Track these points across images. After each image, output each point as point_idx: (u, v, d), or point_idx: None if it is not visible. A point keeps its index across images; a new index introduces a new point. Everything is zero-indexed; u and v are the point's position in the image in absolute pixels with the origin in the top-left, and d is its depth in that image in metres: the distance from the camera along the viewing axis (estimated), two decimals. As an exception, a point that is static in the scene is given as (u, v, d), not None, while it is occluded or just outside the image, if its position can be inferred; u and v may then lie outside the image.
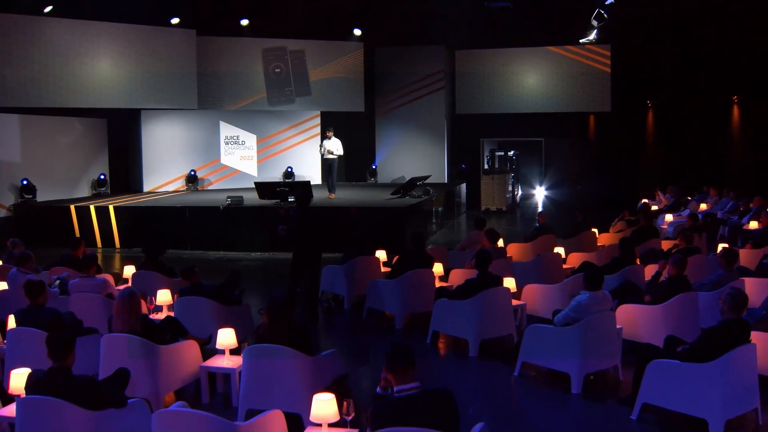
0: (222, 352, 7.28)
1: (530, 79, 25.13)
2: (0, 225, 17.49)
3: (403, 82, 25.00)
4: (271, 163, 23.00)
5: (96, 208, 17.35)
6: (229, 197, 17.16)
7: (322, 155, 18.95)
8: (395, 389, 4.70)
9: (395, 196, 18.29)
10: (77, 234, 17.00)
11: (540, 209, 24.36)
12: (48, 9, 18.14)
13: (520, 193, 26.80)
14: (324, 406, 5.24)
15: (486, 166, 26.12)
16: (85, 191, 20.36)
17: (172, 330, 7.50)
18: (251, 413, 5.91)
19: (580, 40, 22.48)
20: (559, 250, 12.15)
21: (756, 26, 21.77)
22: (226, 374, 7.26)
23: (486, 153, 26.93)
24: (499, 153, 26.89)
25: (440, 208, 20.28)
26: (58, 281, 9.64)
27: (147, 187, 21.43)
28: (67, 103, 18.89)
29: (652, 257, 11.13)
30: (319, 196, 18.00)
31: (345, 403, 5.27)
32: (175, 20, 20.55)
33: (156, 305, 8.80)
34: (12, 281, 9.37)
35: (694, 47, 23.53)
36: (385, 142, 25.33)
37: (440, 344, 9.41)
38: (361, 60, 23.50)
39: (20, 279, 9.07)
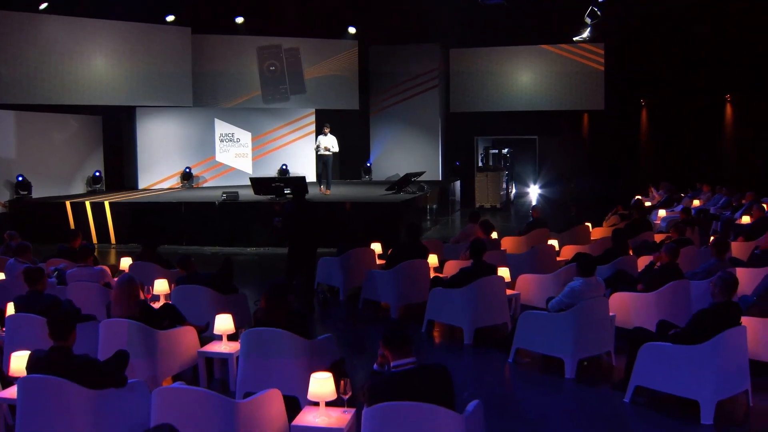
0: (219, 338, 7.36)
1: (524, 78, 25.25)
2: (-4, 221, 17.53)
3: (397, 80, 25.10)
4: (266, 161, 23.06)
5: (92, 204, 17.39)
6: (224, 193, 17.21)
7: (317, 151, 18.98)
8: (392, 365, 4.78)
9: (390, 192, 18.36)
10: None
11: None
12: (43, 6, 18.19)
13: (514, 191, 26.90)
14: (321, 384, 5.32)
15: (480, 164, 26.21)
16: (80, 188, 20.39)
17: (169, 317, 7.56)
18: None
19: (574, 38, 22.65)
20: (553, 242, 12.25)
21: (749, 26, 21.91)
22: (224, 360, 7.33)
23: (480, 151, 27.02)
24: (493, 151, 26.98)
25: (434, 205, 20.36)
26: (55, 272, 9.72)
27: (142, 184, 21.46)
28: (63, 100, 18.94)
29: (645, 249, 11.23)
30: (314, 192, 18.06)
31: (342, 383, 5.35)
32: (170, 18, 20.61)
33: (153, 294, 8.85)
34: (10, 271, 9.42)
35: (687, 46, 23.65)
36: (379, 139, 25.41)
37: (435, 333, 9.50)
38: (356, 58, 23.59)
39: (18, 269, 9.13)
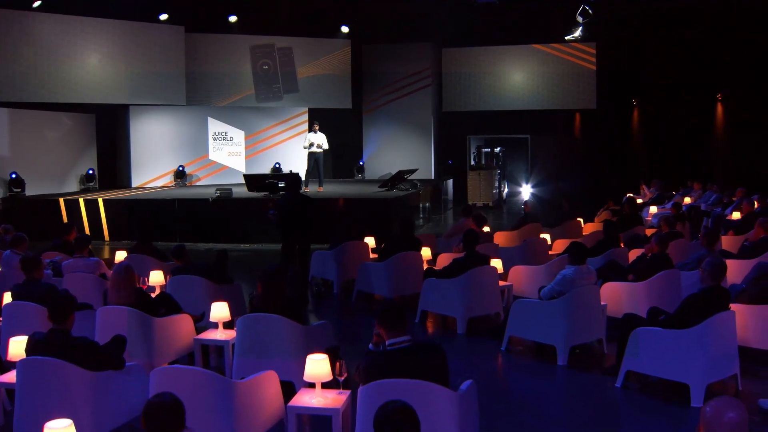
0: (215, 326, 7.41)
1: (516, 77, 25.38)
2: (-11, 218, 17.53)
3: (390, 79, 25.18)
4: (259, 159, 23.11)
5: (85, 201, 17.42)
6: (217, 189, 17.27)
7: (308, 148, 18.84)
8: (387, 343, 4.83)
9: (383, 189, 18.45)
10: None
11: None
12: (37, 4, 18.22)
13: (506, 190, 27.00)
14: (317, 365, 5.38)
15: (473, 163, 26.31)
16: (73, 186, 20.41)
17: (165, 306, 7.62)
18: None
19: (566, 37, 22.77)
20: (545, 236, 12.35)
21: (740, 26, 22.08)
22: (219, 347, 7.39)
23: (473, 150, 27.12)
24: (486, 150, 27.08)
25: (427, 204, 20.44)
26: (50, 264, 9.76)
27: (135, 182, 21.49)
28: (56, 98, 19.00)
29: (636, 242, 11.35)
30: (309, 191, 18.12)
31: (338, 364, 5.42)
32: (163, 16, 20.67)
33: (149, 286, 8.91)
34: (6, 263, 9.46)
35: (679, 46, 23.81)
36: (372, 138, 25.49)
37: (429, 323, 9.58)
38: (349, 57, 23.69)
39: (14, 260, 9.17)
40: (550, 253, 11.98)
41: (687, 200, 18.74)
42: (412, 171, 20.15)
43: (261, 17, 22.30)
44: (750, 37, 22.06)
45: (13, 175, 18.21)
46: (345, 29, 23.26)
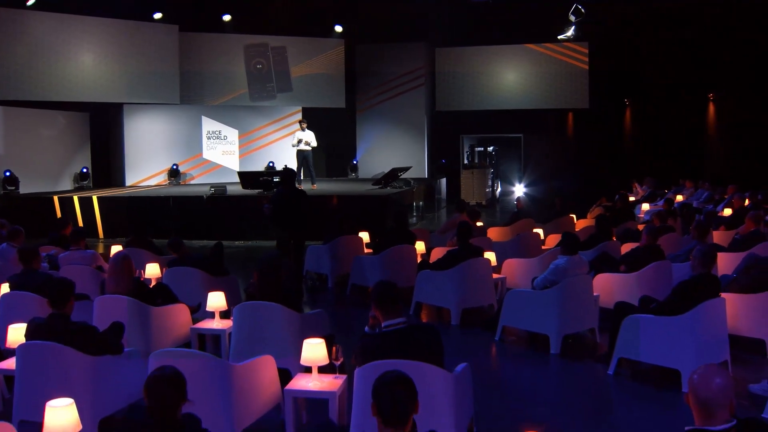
0: (211, 316, 7.48)
1: (509, 77, 25.47)
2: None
3: (383, 78, 25.23)
4: (253, 158, 23.16)
5: (80, 199, 17.45)
6: (212, 187, 17.33)
7: (295, 146, 18.78)
8: (383, 324, 4.90)
9: (377, 187, 18.52)
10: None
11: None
12: (31, 2, 18.24)
13: (499, 189, 27.09)
14: (314, 349, 5.46)
15: (466, 162, 26.39)
16: (67, 184, 20.43)
17: (162, 296, 7.68)
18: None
19: (558, 37, 22.87)
20: (538, 231, 12.43)
21: (733, 26, 22.24)
22: (216, 336, 7.45)
23: (466, 149, 27.21)
24: (479, 149, 27.16)
25: (421, 202, 20.51)
26: (47, 258, 9.80)
27: (129, 181, 21.53)
28: (50, 96, 19.02)
29: (628, 237, 11.44)
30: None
31: (334, 349, 5.50)
32: (158, 15, 20.71)
33: (145, 278, 8.96)
34: (3, 256, 9.50)
35: (671, 46, 23.95)
36: (365, 137, 25.55)
37: (423, 314, 9.65)
38: (342, 56, 23.75)
39: (11, 253, 9.23)
40: (543, 248, 12.07)
41: (679, 198, 18.86)
42: (406, 168, 20.23)
43: (255, 16, 22.35)
44: (744, 37, 22.22)
45: (7, 173, 18.23)
46: (338, 29, 23.33)
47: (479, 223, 12.45)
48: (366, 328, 5.17)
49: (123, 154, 21.56)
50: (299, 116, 23.53)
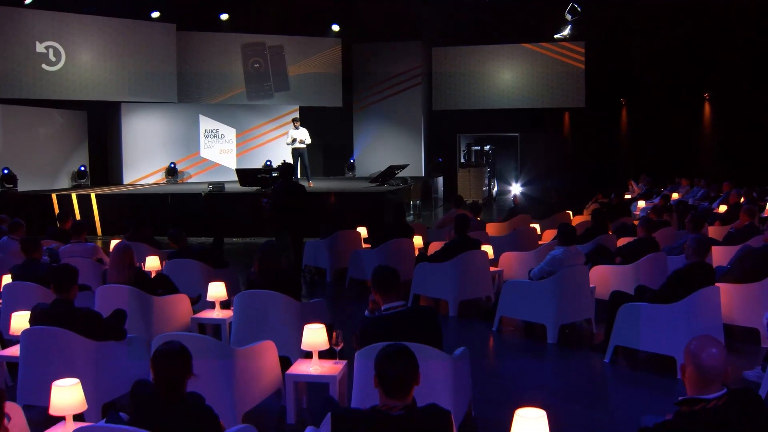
0: (212, 306, 7.55)
1: (506, 76, 25.57)
2: (-19, 213, 17.55)
3: (380, 78, 25.29)
4: (250, 157, 23.20)
5: (78, 196, 17.50)
6: (210, 184, 17.39)
7: (289, 144, 18.82)
8: (383, 308, 4.98)
9: (374, 184, 18.60)
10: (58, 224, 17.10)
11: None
12: (28, 0, 18.31)
13: (496, 188, 27.17)
14: (315, 334, 5.53)
15: (462, 160, 26.47)
16: (65, 183, 20.47)
17: (163, 287, 7.75)
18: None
19: (555, 36, 22.99)
20: (535, 226, 12.52)
21: (728, 26, 22.37)
22: (216, 326, 7.52)
23: (462, 148, 27.29)
24: (476, 147, 27.24)
25: (417, 201, 20.60)
26: (48, 251, 9.85)
27: (127, 179, 21.57)
28: (48, 94, 19.08)
29: (624, 231, 11.53)
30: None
31: (334, 334, 5.58)
32: (155, 14, 20.78)
33: (145, 271, 9.02)
34: (3, 248, 9.56)
35: (667, 46, 24.07)
36: (362, 136, 25.63)
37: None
38: (339, 56, 23.83)
39: (12, 246, 9.29)
40: (539, 242, 12.14)
41: (675, 196, 18.96)
42: (404, 166, 20.32)
43: (252, 16, 22.44)
44: (740, 37, 22.35)
45: (6, 171, 18.26)
46: (336, 28, 23.42)
47: (479, 219, 12.52)
48: (366, 312, 5.24)
49: (121, 153, 21.60)
50: (296, 115, 23.62)
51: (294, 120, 19.24)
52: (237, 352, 5.33)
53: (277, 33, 22.86)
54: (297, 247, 11.01)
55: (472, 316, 9.02)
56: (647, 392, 6.46)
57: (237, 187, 17.93)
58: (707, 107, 25.73)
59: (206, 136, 22.83)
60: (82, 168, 20.78)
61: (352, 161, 25.20)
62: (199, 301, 8.18)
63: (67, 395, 4.36)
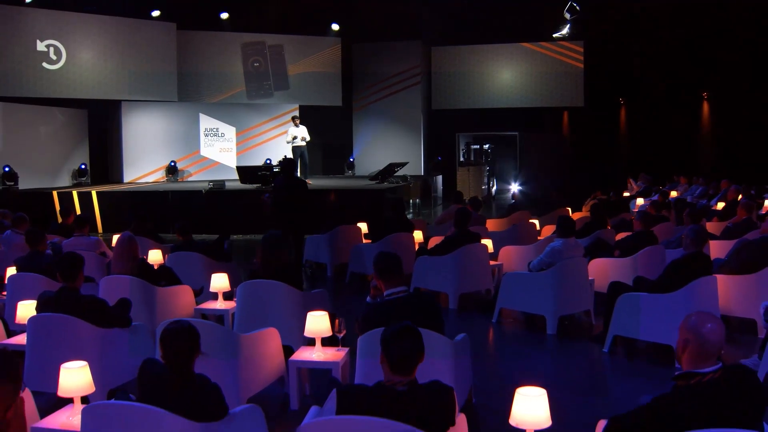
0: (215, 297, 7.62)
1: (505, 75, 25.66)
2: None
3: (380, 77, 25.36)
4: (250, 155, 23.24)
5: (79, 193, 17.56)
6: (210, 182, 17.46)
7: (290, 142, 18.90)
8: (385, 294, 5.05)
9: (374, 182, 18.67)
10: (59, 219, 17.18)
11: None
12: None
13: (495, 187, 27.23)
14: (318, 321, 5.61)
15: (462, 159, 26.54)
16: (65, 181, 20.53)
17: (166, 278, 7.82)
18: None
19: (554, 35, 23.07)
20: (534, 221, 12.60)
21: (727, 25, 22.46)
22: (219, 317, 7.59)
23: (461, 146, 27.36)
24: (475, 146, 27.31)
25: (417, 199, 20.68)
26: (51, 246, 9.92)
27: (127, 177, 21.64)
28: (48, 93, 19.15)
29: (623, 227, 11.60)
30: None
31: (337, 321, 5.65)
32: (155, 13, 20.85)
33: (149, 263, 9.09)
34: (7, 242, 9.63)
35: (667, 45, 24.16)
36: (362, 135, 25.70)
37: (421, 300, 9.78)
38: (339, 55, 23.91)
39: (15, 240, 9.36)
40: (539, 237, 12.22)
41: (674, 194, 19.02)
42: (403, 164, 20.40)
43: (252, 15, 22.52)
44: (739, 36, 22.45)
45: (7, 169, 18.33)
46: (335, 27, 23.50)
47: (479, 213, 12.58)
48: (368, 299, 5.31)
49: (121, 151, 21.67)
50: (296, 114, 23.69)
51: (294, 117, 19.32)
52: (241, 338, 5.41)
53: (277, 32, 22.95)
54: (297, 242, 11.05)
55: (472, 309, 9.10)
56: (645, 381, 6.53)
57: (237, 185, 18.00)
58: (706, 107, 25.82)
59: (206, 135, 22.90)
60: (83, 166, 20.85)
61: (351, 160, 25.27)
62: (202, 293, 8.25)
63: (75, 377, 4.43)
